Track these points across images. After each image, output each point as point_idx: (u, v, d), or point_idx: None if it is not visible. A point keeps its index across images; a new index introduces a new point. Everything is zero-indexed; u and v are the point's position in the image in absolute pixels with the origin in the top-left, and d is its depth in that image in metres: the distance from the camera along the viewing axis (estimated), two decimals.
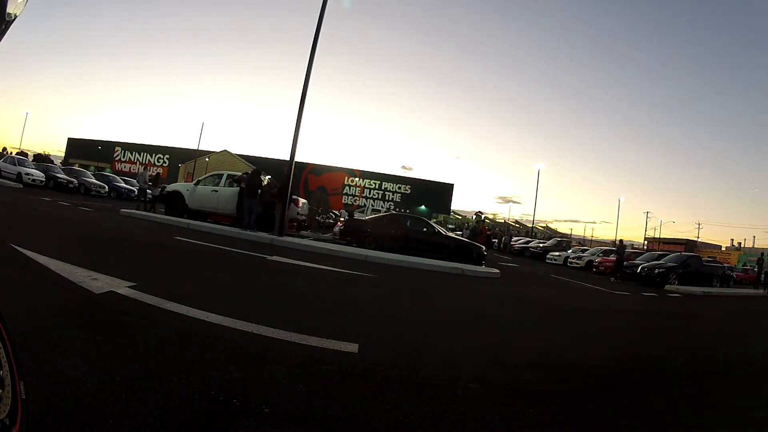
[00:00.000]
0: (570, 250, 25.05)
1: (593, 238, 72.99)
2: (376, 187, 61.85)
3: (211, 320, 2.90)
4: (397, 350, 3.01)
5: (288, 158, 11.36)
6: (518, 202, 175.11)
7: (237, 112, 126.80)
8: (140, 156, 64.63)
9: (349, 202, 57.38)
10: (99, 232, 8.00)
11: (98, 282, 3.45)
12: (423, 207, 57.45)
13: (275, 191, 11.47)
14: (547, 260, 23.52)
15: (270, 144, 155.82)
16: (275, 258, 7.29)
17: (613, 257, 17.03)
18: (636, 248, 31.78)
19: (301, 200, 14.59)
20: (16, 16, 0.90)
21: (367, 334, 3.30)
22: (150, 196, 15.05)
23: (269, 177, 13.54)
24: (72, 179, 20.95)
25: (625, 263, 15.78)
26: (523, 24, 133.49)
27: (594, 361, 3.62)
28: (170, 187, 15.10)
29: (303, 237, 12.68)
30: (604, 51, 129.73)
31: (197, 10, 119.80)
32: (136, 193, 23.55)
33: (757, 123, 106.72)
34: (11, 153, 28.42)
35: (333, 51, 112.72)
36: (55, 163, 34.64)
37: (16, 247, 4.40)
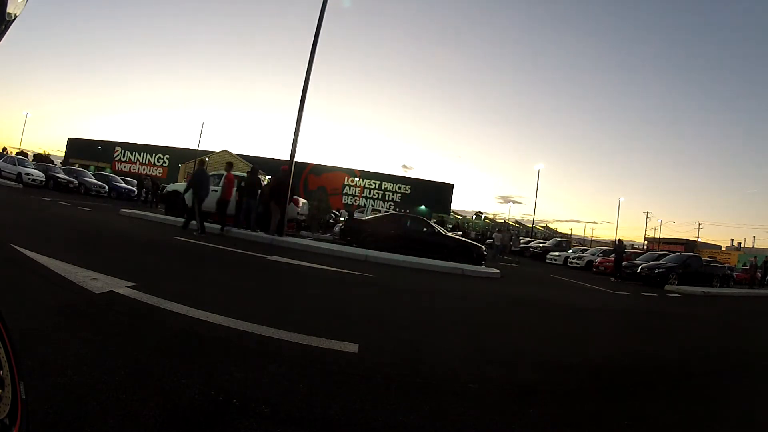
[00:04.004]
0: (570, 250, 25.07)
1: (593, 238, 73.01)
2: (376, 187, 61.80)
3: (210, 320, 2.90)
4: (397, 350, 3.01)
5: (288, 158, 11.37)
6: (519, 202, 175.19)
7: (237, 112, 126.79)
8: (140, 156, 64.63)
9: (349, 202, 57.37)
10: (99, 232, 8.00)
11: (98, 282, 3.45)
12: (423, 207, 57.43)
13: (268, 191, 11.45)
14: (547, 260, 23.54)
15: (270, 144, 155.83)
16: (275, 258, 7.29)
17: (612, 257, 17.04)
18: (636, 248, 31.81)
19: (301, 200, 14.59)
20: (16, 16, 0.90)
21: (367, 334, 3.30)
22: None
23: (269, 177, 13.56)
24: (72, 179, 20.97)
25: (624, 263, 15.78)
26: (524, 24, 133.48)
27: (594, 361, 3.62)
28: (170, 187, 15.11)
29: (303, 237, 12.68)
30: (604, 51, 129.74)
31: (197, 10, 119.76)
32: (136, 192, 24.24)
33: (756, 123, 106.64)
34: (11, 153, 28.43)
35: (333, 51, 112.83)
36: (55, 163, 34.63)
37: (16, 246, 4.41)
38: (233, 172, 13.78)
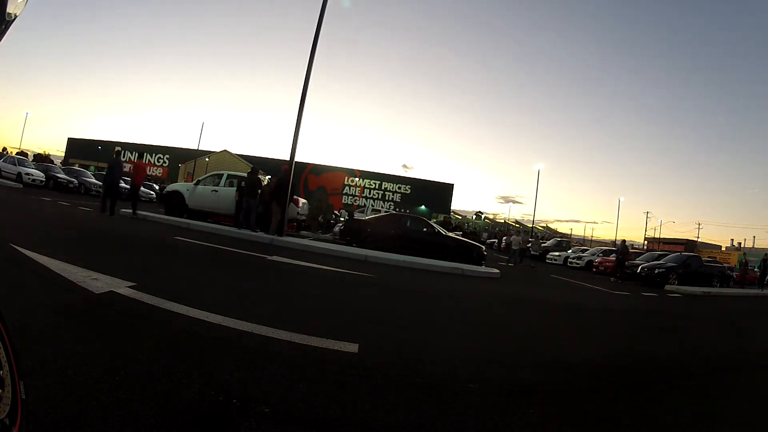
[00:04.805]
0: (570, 250, 25.04)
1: (593, 238, 73.01)
2: (376, 187, 61.86)
3: (211, 320, 2.90)
4: (397, 350, 3.01)
5: (288, 158, 11.37)
6: (519, 202, 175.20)
7: (237, 112, 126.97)
8: (140, 156, 64.65)
9: (349, 202, 57.38)
10: (99, 232, 8.00)
11: (98, 282, 3.45)
12: (423, 207, 57.46)
13: (268, 191, 11.46)
14: (547, 260, 23.52)
15: (270, 144, 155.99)
16: (275, 258, 7.29)
17: (613, 257, 17.02)
18: (636, 248, 31.76)
19: (301, 200, 14.60)
20: (16, 16, 0.90)
21: (367, 334, 3.30)
22: None
23: (269, 177, 13.59)
24: (72, 179, 20.96)
25: (625, 263, 15.76)
26: (524, 25, 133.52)
27: (594, 361, 3.62)
28: (170, 187, 15.11)
29: (303, 237, 12.68)
30: (604, 51, 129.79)
31: (197, 10, 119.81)
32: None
33: (756, 123, 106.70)
34: (11, 153, 28.44)
35: (333, 51, 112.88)
36: (55, 163, 34.65)
37: (16, 246, 4.40)
38: (233, 172, 13.85)
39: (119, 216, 10.87)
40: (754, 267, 21.09)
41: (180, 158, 59.97)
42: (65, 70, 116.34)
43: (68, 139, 67.35)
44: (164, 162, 63.81)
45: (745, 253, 22.23)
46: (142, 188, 26.31)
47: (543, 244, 26.59)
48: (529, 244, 19.69)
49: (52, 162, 35.61)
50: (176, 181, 40.86)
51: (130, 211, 11.16)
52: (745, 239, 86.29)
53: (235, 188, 12.18)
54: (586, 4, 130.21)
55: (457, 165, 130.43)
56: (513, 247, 17.82)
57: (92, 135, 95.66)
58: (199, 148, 61.31)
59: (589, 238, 75.05)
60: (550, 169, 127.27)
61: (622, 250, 15.82)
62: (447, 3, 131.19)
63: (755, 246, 53.87)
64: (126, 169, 16.21)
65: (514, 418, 2.09)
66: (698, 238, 59.01)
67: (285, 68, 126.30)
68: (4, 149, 33.10)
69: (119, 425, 1.51)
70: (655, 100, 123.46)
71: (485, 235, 30.96)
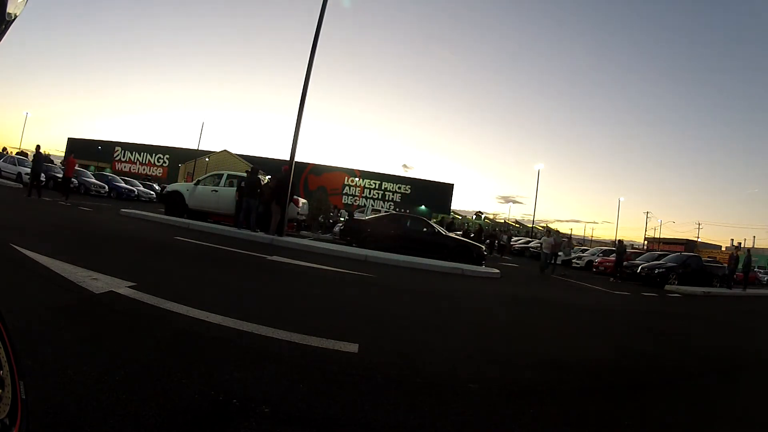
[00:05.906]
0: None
1: (593, 238, 73.06)
2: (376, 187, 61.82)
3: (210, 320, 2.90)
4: (397, 350, 3.01)
5: (288, 158, 11.37)
6: (520, 202, 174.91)
7: (237, 112, 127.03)
8: (140, 156, 64.65)
9: (349, 202, 57.34)
10: (99, 232, 8.00)
11: (98, 282, 3.45)
12: (423, 207, 57.43)
13: (268, 191, 11.46)
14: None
15: (270, 144, 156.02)
16: (275, 258, 7.29)
17: (613, 257, 17.04)
18: (636, 248, 31.78)
19: (301, 200, 14.60)
20: (16, 16, 0.90)
21: (367, 334, 3.30)
22: None
23: (269, 177, 13.61)
24: (72, 179, 20.94)
25: (625, 263, 15.78)
26: (524, 25, 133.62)
27: (594, 361, 3.62)
28: (170, 187, 15.12)
29: (303, 237, 12.68)
30: (604, 51, 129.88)
31: (197, 10, 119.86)
32: (136, 193, 24.93)
33: (756, 123, 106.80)
34: (11, 153, 28.42)
35: (333, 51, 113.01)
36: (55, 163, 34.60)
37: (16, 247, 4.40)
38: (233, 172, 13.89)
39: (52, 202, 12.64)
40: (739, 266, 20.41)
41: (180, 158, 59.96)
42: (65, 70, 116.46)
43: (68, 139, 67.27)
44: (164, 162, 63.78)
45: (738, 244, 21.89)
46: (142, 188, 26.91)
47: (574, 246, 22.99)
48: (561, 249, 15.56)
49: (52, 162, 35.56)
50: (176, 181, 40.89)
51: (64, 197, 13.82)
52: (745, 239, 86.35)
53: (235, 188, 12.17)
54: (586, 4, 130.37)
55: (457, 165, 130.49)
56: (544, 251, 14.27)
57: (92, 135, 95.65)
58: (199, 148, 61.38)
59: (589, 238, 75.13)
60: (550, 169, 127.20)
61: (620, 249, 15.83)
62: (447, 3, 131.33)
63: (755, 246, 53.94)
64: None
65: (514, 418, 2.09)
66: (698, 238, 59.10)
67: (285, 68, 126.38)
68: (4, 149, 33.03)
69: (119, 425, 1.51)
70: (655, 100, 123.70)
71: (505, 237, 28.90)
